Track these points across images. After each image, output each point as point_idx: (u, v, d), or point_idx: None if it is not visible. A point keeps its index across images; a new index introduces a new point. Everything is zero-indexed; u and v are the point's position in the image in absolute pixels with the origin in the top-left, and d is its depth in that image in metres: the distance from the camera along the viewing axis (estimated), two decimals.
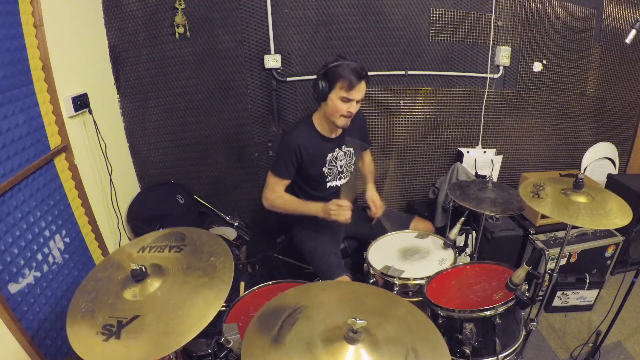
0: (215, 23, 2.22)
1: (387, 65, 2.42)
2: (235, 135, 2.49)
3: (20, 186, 1.46)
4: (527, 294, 1.30)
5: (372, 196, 1.92)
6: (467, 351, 1.28)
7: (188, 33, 2.21)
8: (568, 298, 2.25)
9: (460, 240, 2.31)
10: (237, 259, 2.21)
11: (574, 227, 2.13)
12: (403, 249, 1.77)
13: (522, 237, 2.30)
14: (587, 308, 2.29)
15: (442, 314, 1.34)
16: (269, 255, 2.20)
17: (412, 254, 1.73)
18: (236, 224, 2.53)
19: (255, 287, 1.50)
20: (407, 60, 2.44)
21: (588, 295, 2.24)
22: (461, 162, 2.58)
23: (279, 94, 2.40)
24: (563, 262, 2.25)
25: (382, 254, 1.73)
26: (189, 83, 2.35)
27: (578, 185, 1.51)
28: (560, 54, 2.58)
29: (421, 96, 2.54)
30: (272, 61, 2.30)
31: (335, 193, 1.87)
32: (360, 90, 1.65)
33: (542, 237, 2.27)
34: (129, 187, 2.40)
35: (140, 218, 2.25)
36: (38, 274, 1.51)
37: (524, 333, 1.45)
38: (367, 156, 2.12)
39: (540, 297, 2.19)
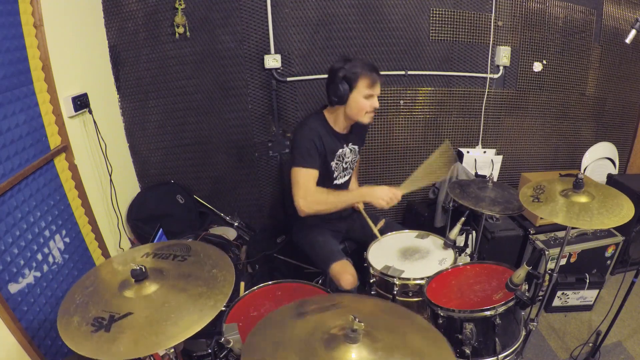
0: (215, 23, 2.22)
1: (387, 65, 2.42)
2: (235, 135, 2.49)
3: (20, 186, 1.46)
4: (527, 294, 1.30)
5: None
6: (467, 351, 1.28)
7: (188, 33, 2.21)
8: (568, 298, 2.25)
9: (460, 240, 2.31)
10: (237, 259, 2.21)
11: (573, 227, 2.13)
12: (403, 249, 1.76)
13: (522, 237, 2.31)
14: (587, 308, 2.29)
15: (442, 314, 1.34)
16: (269, 255, 2.20)
17: (412, 254, 1.73)
18: (236, 224, 2.52)
19: (255, 287, 1.51)
20: (407, 60, 2.44)
21: (588, 295, 2.24)
22: (461, 162, 2.58)
23: (279, 94, 2.40)
24: (563, 262, 2.25)
25: (382, 254, 1.73)
26: (189, 83, 2.35)
27: (578, 185, 1.51)
28: (560, 54, 2.58)
29: (421, 96, 2.54)
30: (272, 61, 2.30)
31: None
32: (380, 85, 1.70)
33: (542, 237, 2.28)
34: (129, 187, 2.40)
35: (140, 218, 2.25)
36: (38, 274, 1.51)
37: (524, 333, 1.45)
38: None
39: (540, 297, 2.19)
